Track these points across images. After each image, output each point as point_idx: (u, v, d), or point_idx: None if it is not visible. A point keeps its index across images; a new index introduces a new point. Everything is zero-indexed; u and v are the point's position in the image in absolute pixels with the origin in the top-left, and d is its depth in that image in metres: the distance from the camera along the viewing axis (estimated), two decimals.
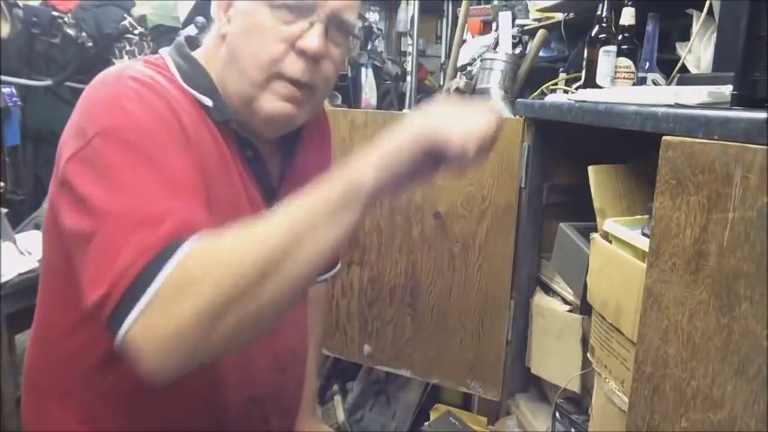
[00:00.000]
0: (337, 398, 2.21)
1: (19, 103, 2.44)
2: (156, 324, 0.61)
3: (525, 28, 2.16)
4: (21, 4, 2.51)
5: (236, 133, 0.85)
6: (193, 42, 0.92)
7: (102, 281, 0.63)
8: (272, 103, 0.82)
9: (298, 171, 0.97)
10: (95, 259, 0.65)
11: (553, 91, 1.68)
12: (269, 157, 0.92)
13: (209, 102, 0.82)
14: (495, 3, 2.53)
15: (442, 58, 3.95)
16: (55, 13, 2.56)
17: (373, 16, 5.23)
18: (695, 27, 1.26)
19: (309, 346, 1.13)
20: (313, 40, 0.79)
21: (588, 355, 1.15)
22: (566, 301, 1.40)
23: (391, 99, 4.34)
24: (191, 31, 2.71)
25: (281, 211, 0.66)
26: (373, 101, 4.11)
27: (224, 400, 0.90)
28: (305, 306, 1.08)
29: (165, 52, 0.87)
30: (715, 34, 1.18)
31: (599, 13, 1.34)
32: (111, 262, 0.63)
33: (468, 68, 2.32)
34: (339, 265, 1.24)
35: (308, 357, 1.13)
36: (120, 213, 0.65)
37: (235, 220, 0.80)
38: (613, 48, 1.31)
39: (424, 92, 4.12)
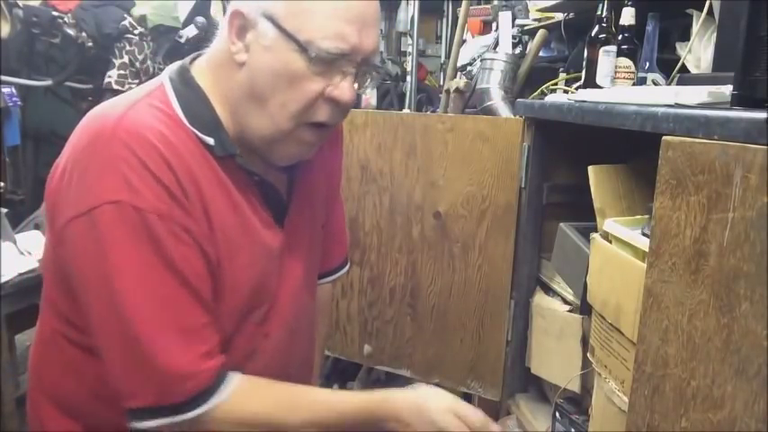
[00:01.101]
0: None
1: (19, 103, 2.44)
2: None
3: (525, 28, 2.16)
4: (21, 4, 2.51)
5: (239, 165, 0.84)
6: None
7: (147, 388, 0.77)
8: (295, 148, 0.82)
9: (306, 179, 0.97)
10: (133, 359, 0.76)
11: (553, 91, 1.68)
12: (276, 175, 0.91)
13: (210, 141, 0.80)
14: (495, 3, 2.53)
15: (442, 58, 3.95)
16: (55, 13, 2.56)
17: None
18: (695, 27, 1.26)
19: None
20: (348, 90, 0.78)
21: (588, 355, 1.15)
22: (566, 301, 1.40)
23: (391, 99, 4.34)
24: (190, 31, 2.72)
25: (310, 406, 0.86)
26: (373, 101, 4.12)
27: None
28: (314, 314, 1.08)
29: (167, 79, 0.83)
30: (715, 34, 1.18)
31: (599, 13, 1.34)
32: (155, 370, 0.76)
33: (468, 68, 2.33)
34: (347, 266, 1.24)
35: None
36: (154, 319, 0.75)
37: (247, 245, 0.86)
38: (613, 48, 1.31)
39: (424, 92, 4.12)
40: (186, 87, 0.82)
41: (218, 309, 0.82)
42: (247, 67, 0.78)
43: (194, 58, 0.87)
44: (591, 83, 1.34)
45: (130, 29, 2.63)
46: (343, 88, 0.78)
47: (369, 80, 0.83)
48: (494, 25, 2.56)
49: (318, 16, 0.74)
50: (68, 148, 0.78)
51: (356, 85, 0.80)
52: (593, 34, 1.34)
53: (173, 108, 0.80)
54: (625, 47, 1.31)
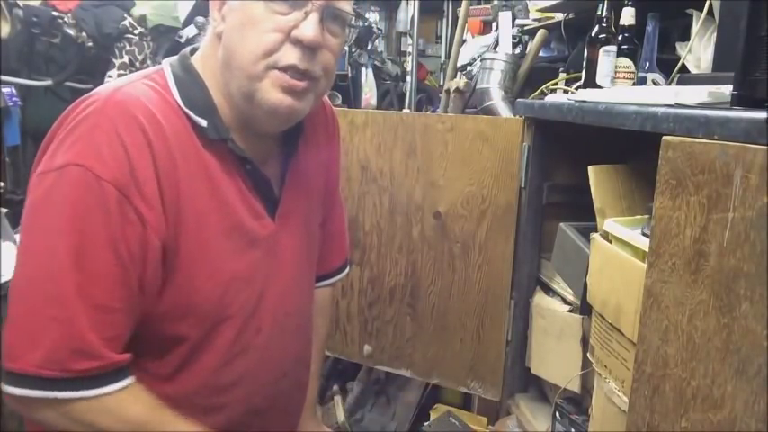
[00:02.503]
0: (337, 398, 2.21)
1: (19, 103, 2.44)
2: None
3: (525, 28, 2.16)
4: (21, 4, 2.51)
5: (230, 151, 0.85)
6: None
7: (36, 351, 0.73)
8: (273, 94, 0.82)
9: (300, 170, 0.97)
10: (35, 318, 0.74)
11: (553, 91, 1.68)
12: (268, 163, 0.92)
13: (203, 122, 0.82)
14: (495, 3, 2.54)
15: (442, 58, 3.95)
16: (55, 13, 2.55)
17: (373, 16, 5.23)
18: (695, 27, 1.26)
19: (313, 349, 1.13)
20: (308, 29, 0.79)
21: (588, 355, 1.15)
22: (566, 301, 1.40)
23: (391, 99, 4.34)
24: (191, 31, 2.72)
25: None
26: (373, 101, 4.12)
27: (223, 416, 0.90)
28: (310, 312, 1.07)
29: (168, 64, 0.87)
30: (715, 34, 1.18)
31: (599, 13, 1.34)
32: (54, 335, 0.73)
33: (468, 68, 2.33)
34: (348, 269, 1.24)
35: (312, 360, 1.13)
36: (75, 286, 0.73)
37: (227, 231, 0.85)
38: (613, 48, 1.31)
39: (424, 92, 4.12)
40: (184, 72, 0.85)
41: (194, 295, 0.82)
42: (224, 34, 0.82)
43: (194, 50, 0.90)
44: (591, 83, 1.34)
45: (130, 29, 2.63)
46: (304, 26, 0.79)
47: (338, 26, 0.84)
48: (494, 25, 2.57)
49: None
50: (63, 115, 0.80)
51: (321, 27, 0.81)
52: (593, 34, 1.34)
53: (169, 90, 0.83)
54: (625, 47, 1.31)
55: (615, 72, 1.32)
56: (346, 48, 3.37)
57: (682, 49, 1.33)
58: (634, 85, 1.33)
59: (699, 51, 1.27)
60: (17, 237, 1.98)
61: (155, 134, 0.77)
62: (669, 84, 1.34)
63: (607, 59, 1.31)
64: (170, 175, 0.78)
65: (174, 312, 0.82)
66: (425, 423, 1.87)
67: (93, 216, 0.73)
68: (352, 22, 0.87)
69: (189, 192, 0.80)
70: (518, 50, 2.13)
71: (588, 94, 1.20)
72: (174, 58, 0.88)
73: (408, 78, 3.82)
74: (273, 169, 0.93)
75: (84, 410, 0.76)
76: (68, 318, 0.73)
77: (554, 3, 1.86)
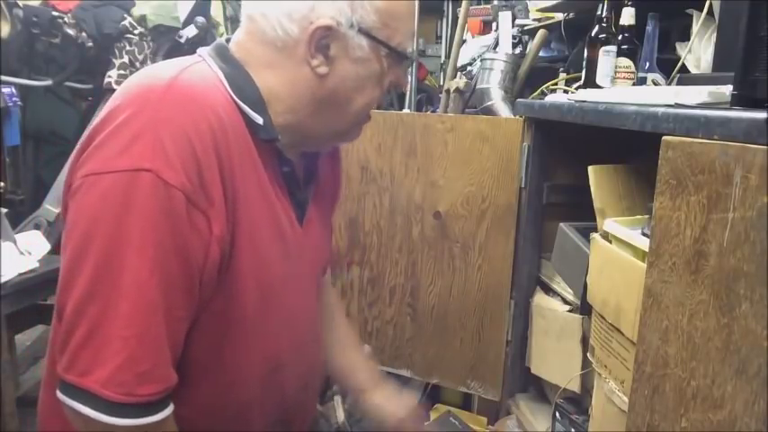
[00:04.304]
0: (337, 398, 2.21)
1: (19, 103, 2.44)
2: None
3: (525, 28, 2.16)
4: (21, 4, 2.51)
5: (277, 151, 0.82)
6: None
7: (102, 370, 0.68)
8: (358, 132, 0.91)
9: (320, 179, 0.96)
10: (89, 343, 0.69)
11: (553, 91, 1.68)
12: (302, 168, 0.91)
13: (259, 119, 0.78)
14: (495, 3, 2.53)
15: (442, 58, 3.94)
16: (55, 13, 2.56)
17: None
18: (695, 27, 1.26)
19: (348, 338, 1.19)
20: (406, 79, 0.88)
21: (588, 355, 1.15)
22: (566, 301, 1.40)
23: (391, 99, 4.33)
24: (190, 31, 2.72)
25: None
26: None
27: (251, 425, 0.88)
28: (318, 321, 1.04)
29: (206, 55, 0.81)
30: (715, 34, 1.18)
31: (599, 13, 1.34)
32: (124, 354, 0.68)
33: (468, 68, 2.32)
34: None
35: (352, 346, 1.20)
36: (147, 299, 0.69)
37: (280, 242, 0.83)
38: (613, 48, 1.31)
39: (425, 92, 4.12)
40: (230, 66, 0.80)
41: (238, 307, 0.78)
42: (331, 76, 0.80)
43: (226, 48, 0.84)
44: (591, 83, 1.34)
45: (130, 29, 2.63)
46: (405, 77, 0.88)
47: None
48: (494, 25, 2.56)
49: (401, 22, 0.81)
50: (113, 101, 0.73)
51: None
52: (593, 34, 1.34)
53: (220, 81, 0.78)
54: (625, 47, 1.31)
55: (615, 72, 1.32)
56: None
57: (682, 49, 1.33)
58: (634, 85, 1.33)
59: (699, 51, 1.27)
60: (17, 237, 1.98)
61: (220, 132, 0.72)
62: (669, 84, 1.34)
63: (607, 59, 1.31)
64: (231, 173, 0.74)
65: (214, 323, 0.78)
66: (425, 423, 1.87)
67: (165, 227, 0.68)
68: None
69: (244, 196, 0.76)
70: (518, 50, 2.12)
71: (588, 94, 1.20)
72: (207, 51, 0.82)
73: (408, 78, 3.81)
74: (300, 180, 0.91)
75: None
76: (143, 333, 0.69)
77: (554, 3, 1.86)
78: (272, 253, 0.82)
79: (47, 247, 2.06)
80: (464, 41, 2.40)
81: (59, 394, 0.71)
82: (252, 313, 0.81)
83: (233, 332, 0.80)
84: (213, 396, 0.82)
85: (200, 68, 0.78)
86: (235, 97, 0.77)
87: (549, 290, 1.50)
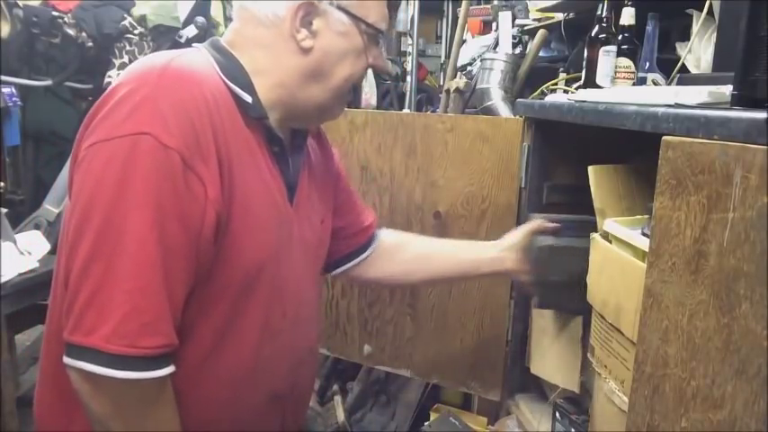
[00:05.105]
0: (337, 398, 2.21)
1: (19, 103, 2.44)
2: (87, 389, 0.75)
3: (525, 28, 2.16)
4: (21, 4, 2.51)
5: (267, 129, 0.88)
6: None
7: (107, 325, 0.71)
8: (341, 108, 0.96)
9: (310, 165, 1.02)
10: (94, 302, 0.72)
11: (553, 91, 1.68)
12: (290, 152, 0.95)
13: (248, 98, 0.85)
14: (495, 3, 2.54)
15: (442, 58, 3.95)
16: (55, 13, 2.56)
17: None
18: (695, 27, 1.26)
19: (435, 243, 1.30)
20: (386, 61, 0.94)
21: (588, 355, 1.15)
22: None
23: (391, 99, 4.34)
24: (190, 31, 2.72)
25: None
26: (373, 101, 4.11)
27: (245, 400, 0.90)
28: (318, 302, 1.09)
29: (201, 46, 0.90)
30: (715, 34, 1.18)
31: (599, 13, 1.34)
32: (129, 308, 0.72)
33: (468, 68, 2.33)
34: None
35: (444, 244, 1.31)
36: (150, 258, 0.72)
37: (266, 208, 0.87)
38: (613, 48, 1.31)
39: (425, 92, 4.12)
40: (221, 54, 0.88)
41: (237, 268, 0.82)
42: (316, 50, 0.88)
43: (218, 39, 0.93)
44: (591, 83, 1.34)
45: (130, 29, 2.63)
46: (383, 57, 0.95)
47: None
48: (494, 25, 2.57)
49: (374, 3, 0.91)
50: (114, 85, 0.78)
51: None
52: (593, 34, 1.34)
53: (212, 66, 0.85)
54: (625, 47, 1.31)
55: (615, 72, 1.32)
56: None
57: (682, 49, 1.33)
58: (634, 85, 1.33)
59: (699, 51, 1.27)
60: (17, 236, 1.98)
61: (213, 106, 0.78)
62: (669, 84, 1.34)
63: (607, 59, 1.31)
64: (226, 146, 0.79)
65: (211, 288, 0.82)
66: (425, 423, 1.87)
67: (164, 187, 0.72)
68: None
69: (238, 164, 0.81)
70: (518, 50, 2.13)
71: (588, 94, 1.20)
72: (203, 44, 0.91)
73: (408, 78, 3.81)
74: (290, 162, 0.96)
75: (154, 391, 0.77)
76: (146, 291, 0.72)
77: (554, 3, 1.86)
78: (267, 221, 0.87)
79: (47, 247, 2.06)
80: (464, 41, 2.40)
81: (66, 359, 0.74)
82: (245, 279, 0.84)
83: (226, 296, 0.84)
84: (203, 359, 0.84)
85: (194, 55, 0.86)
86: (226, 80, 0.85)
87: None
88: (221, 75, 0.85)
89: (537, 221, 1.21)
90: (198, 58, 0.85)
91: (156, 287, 0.73)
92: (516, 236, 1.22)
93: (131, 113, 0.73)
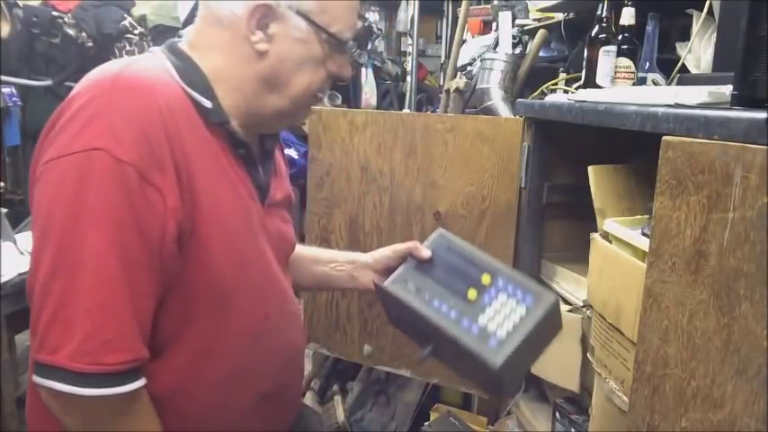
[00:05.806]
0: (337, 398, 2.21)
1: (19, 103, 2.44)
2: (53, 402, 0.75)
3: (525, 28, 2.16)
4: (21, 4, 2.51)
5: (230, 134, 0.86)
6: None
7: (71, 343, 0.71)
8: (305, 115, 0.94)
9: (278, 168, 1.01)
10: (56, 320, 0.72)
11: (553, 91, 1.68)
12: (259, 155, 0.95)
13: (208, 103, 0.83)
14: (495, 3, 2.54)
15: (442, 58, 3.95)
16: (55, 13, 2.56)
17: (373, 16, 5.23)
18: (695, 27, 1.26)
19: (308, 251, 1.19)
20: (349, 70, 0.91)
21: (588, 355, 1.15)
22: (566, 301, 1.40)
23: (391, 99, 4.34)
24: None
25: None
26: (373, 101, 4.12)
27: (234, 403, 0.90)
28: (295, 302, 1.08)
29: (158, 51, 0.88)
30: (715, 34, 1.18)
31: (599, 13, 1.34)
32: (91, 326, 0.71)
33: (468, 68, 2.32)
34: None
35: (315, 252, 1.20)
36: (109, 273, 0.72)
37: (245, 215, 0.86)
38: (613, 48, 1.31)
39: (425, 92, 4.12)
40: (179, 58, 0.85)
41: (211, 276, 0.81)
42: (271, 55, 0.84)
43: (176, 42, 0.90)
44: (591, 83, 1.34)
45: (130, 29, 2.64)
46: (346, 66, 0.91)
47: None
48: (494, 25, 2.57)
49: (342, 11, 0.87)
50: (68, 98, 0.78)
51: None
52: (593, 34, 1.34)
53: (169, 71, 0.83)
54: (625, 47, 1.31)
55: (615, 72, 1.32)
56: None
57: (682, 49, 1.33)
58: (634, 85, 1.33)
59: (699, 51, 1.27)
60: (17, 236, 1.98)
61: (168, 114, 0.77)
62: (669, 84, 1.34)
63: (607, 59, 1.31)
64: (184, 154, 0.78)
65: (189, 296, 0.81)
66: (425, 423, 1.87)
67: (119, 202, 0.72)
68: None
69: (202, 171, 0.80)
70: (518, 50, 2.13)
71: (588, 94, 1.20)
72: (160, 48, 0.89)
73: (408, 78, 3.81)
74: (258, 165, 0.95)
75: (112, 407, 0.75)
76: (107, 306, 0.72)
77: (554, 3, 1.86)
78: (239, 225, 0.86)
79: None
80: (464, 41, 2.40)
81: (35, 378, 0.74)
82: (222, 285, 0.83)
83: (205, 304, 0.83)
84: (190, 368, 0.84)
85: (148, 62, 0.84)
86: (184, 85, 0.82)
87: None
88: (178, 80, 0.82)
89: (412, 244, 1.02)
90: (152, 64, 0.83)
91: (117, 303, 0.73)
92: (385, 253, 1.10)
93: (83, 129, 0.72)
